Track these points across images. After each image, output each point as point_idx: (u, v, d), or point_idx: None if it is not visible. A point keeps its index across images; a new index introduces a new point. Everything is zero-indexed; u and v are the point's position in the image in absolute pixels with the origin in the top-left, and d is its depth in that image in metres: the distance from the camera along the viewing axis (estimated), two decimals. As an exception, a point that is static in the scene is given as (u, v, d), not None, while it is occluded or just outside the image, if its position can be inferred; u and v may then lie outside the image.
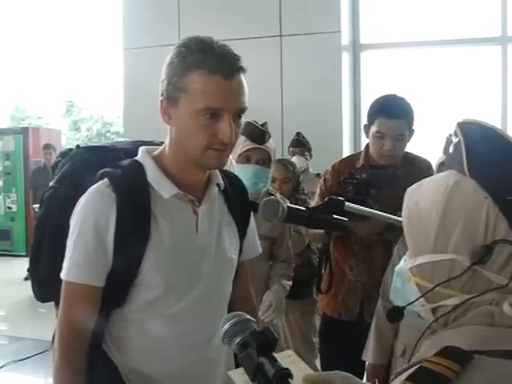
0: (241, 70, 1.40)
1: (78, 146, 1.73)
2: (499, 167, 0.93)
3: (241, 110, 1.42)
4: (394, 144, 2.51)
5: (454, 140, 0.99)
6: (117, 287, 1.46)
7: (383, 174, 2.53)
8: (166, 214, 1.48)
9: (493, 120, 5.45)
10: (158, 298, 1.48)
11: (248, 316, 1.01)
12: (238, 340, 0.96)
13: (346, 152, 5.62)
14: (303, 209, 1.71)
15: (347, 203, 1.77)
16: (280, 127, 5.65)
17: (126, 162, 1.53)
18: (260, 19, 5.73)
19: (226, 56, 1.39)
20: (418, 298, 0.96)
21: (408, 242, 1.00)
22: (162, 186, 1.47)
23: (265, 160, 2.55)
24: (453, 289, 0.92)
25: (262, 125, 2.58)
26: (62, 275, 1.44)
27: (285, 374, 0.88)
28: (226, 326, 0.98)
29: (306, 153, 4.95)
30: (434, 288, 0.93)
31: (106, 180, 1.46)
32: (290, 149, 5.04)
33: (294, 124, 5.37)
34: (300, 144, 4.98)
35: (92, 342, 1.47)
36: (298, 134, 5.04)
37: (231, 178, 1.69)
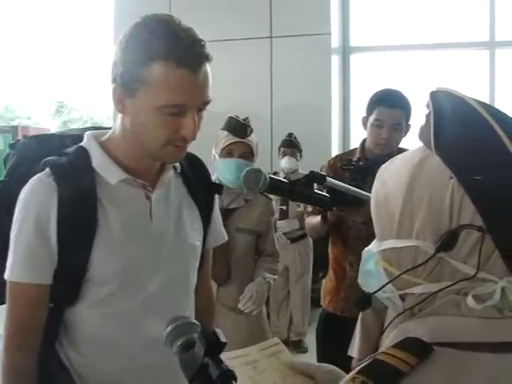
0: (207, 58, 1.28)
1: (25, 136, 1.62)
2: (467, 144, 0.83)
3: (205, 104, 1.31)
4: (391, 133, 2.57)
5: (426, 111, 0.89)
6: (67, 284, 1.36)
7: (381, 162, 2.55)
8: (115, 200, 1.37)
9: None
10: (115, 292, 1.38)
11: (193, 320, 0.98)
12: (180, 342, 0.93)
13: (335, 153, 5.65)
14: (285, 181, 1.70)
15: (328, 178, 1.78)
16: (269, 128, 5.66)
17: (70, 149, 1.42)
18: (250, 20, 5.75)
19: (194, 45, 1.26)
20: (384, 285, 0.88)
21: (375, 225, 0.93)
22: (108, 172, 1.37)
23: (247, 154, 2.59)
24: (419, 277, 0.85)
25: (243, 119, 2.63)
26: (6, 275, 1.35)
27: (229, 376, 0.86)
28: (169, 328, 0.97)
29: (298, 153, 4.97)
30: (399, 276, 0.86)
31: (47, 169, 1.35)
32: (281, 149, 5.04)
33: (283, 125, 5.38)
34: (292, 145, 4.99)
35: (44, 342, 1.39)
36: (290, 134, 5.05)
37: (190, 159, 1.55)
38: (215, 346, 0.88)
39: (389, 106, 2.54)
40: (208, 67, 1.29)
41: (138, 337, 1.42)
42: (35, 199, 1.33)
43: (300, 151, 5.00)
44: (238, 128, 2.59)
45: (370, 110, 2.63)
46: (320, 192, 1.73)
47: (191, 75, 1.25)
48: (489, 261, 0.81)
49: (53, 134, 1.57)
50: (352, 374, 0.78)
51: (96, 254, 1.34)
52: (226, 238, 1.76)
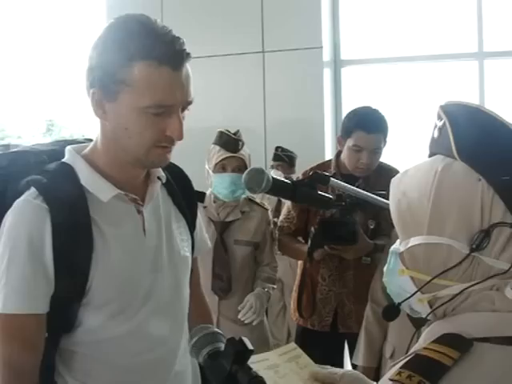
0: (188, 56, 1.26)
1: None
2: (490, 147, 0.87)
3: (188, 103, 1.29)
4: (371, 157, 2.57)
5: (438, 124, 0.93)
6: (64, 310, 1.30)
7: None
8: (109, 218, 1.32)
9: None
10: (113, 314, 1.34)
11: (216, 329, 1.00)
12: (207, 351, 0.94)
13: (329, 166, 5.67)
14: (288, 181, 1.68)
15: (332, 179, 1.77)
16: (263, 143, 5.68)
17: (52, 165, 1.33)
18: (242, 35, 5.78)
19: (174, 43, 1.23)
20: (414, 293, 0.89)
21: (399, 231, 0.95)
22: (99, 189, 1.31)
23: (241, 167, 2.62)
24: (451, 279, 0.87)
25: (234, 133, 2.66)
26: None
27: (260, 382, 0.87)
28: (195, 339, 0.98)
29: (287, 166, 4.99)
30: (431, 280, 0.87)
31: (32, 190, 1.26)
32: (271, 163, 5.12)
33: (276, 139, 5.40)
34: (277, 158, 5.06)
35: (42, 375, 1.31)
36: (277, 148, 5.12)
37: (172, 169, 1.51)
38: (243, 354, 0.90)
39: (368, 132, 2.51)
40: (189, 67, 1.27)
41: (138, 359, 1.38)
42: (26, 223, 1.24)
43: (288, 164, 5.01)
44: (230, 143, 2.62)
45: (347, 133, 2.59)
46: (323, 193, 1.71)
47: (173, 73, 1.22)
48: None
49: (24, 151, 1.42)
50: (397, 368, 0.80)
51: (94, 276, 1.29)
52: (210, 244, 1.74)
